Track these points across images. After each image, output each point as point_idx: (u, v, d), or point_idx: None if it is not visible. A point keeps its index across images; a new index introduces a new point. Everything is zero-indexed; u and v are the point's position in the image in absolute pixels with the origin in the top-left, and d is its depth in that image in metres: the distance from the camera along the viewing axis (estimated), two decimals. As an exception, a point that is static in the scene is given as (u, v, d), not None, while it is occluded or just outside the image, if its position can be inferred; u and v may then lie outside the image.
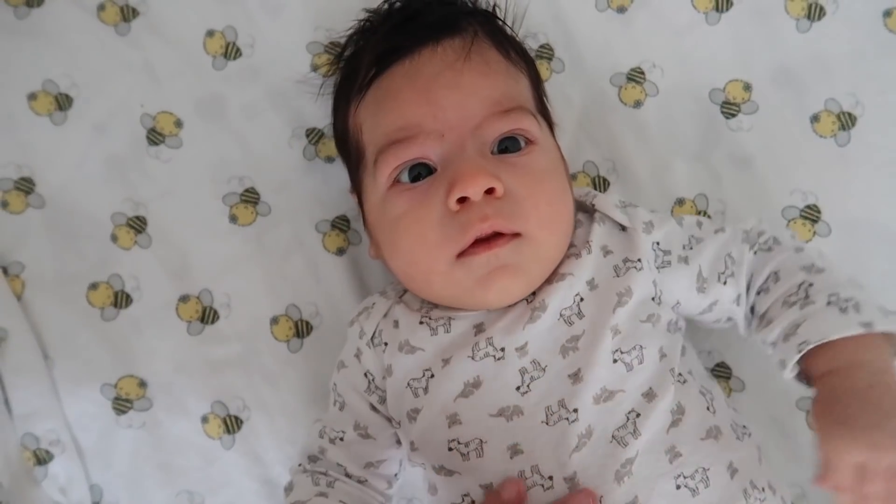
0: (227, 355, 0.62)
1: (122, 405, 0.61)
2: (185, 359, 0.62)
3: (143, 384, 0.61)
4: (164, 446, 0.61)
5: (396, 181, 0.51)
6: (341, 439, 0.54)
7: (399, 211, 0.50)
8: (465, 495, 0.48)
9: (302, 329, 0.62)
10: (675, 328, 0.52)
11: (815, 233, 0.61)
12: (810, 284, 0.49)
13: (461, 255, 0.48)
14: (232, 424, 0.61)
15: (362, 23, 0.59)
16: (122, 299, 0.62)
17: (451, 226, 0.47)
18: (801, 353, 0.46)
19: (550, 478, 0.46)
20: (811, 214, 0.61)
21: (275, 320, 0.62)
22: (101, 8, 0.64)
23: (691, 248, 0.53)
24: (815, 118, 0.62)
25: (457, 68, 0.51)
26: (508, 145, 0.50)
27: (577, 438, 0.46)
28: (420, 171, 0.50)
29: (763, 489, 0.48)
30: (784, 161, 0.62)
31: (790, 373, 0.48)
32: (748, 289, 0.52)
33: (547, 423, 0.47)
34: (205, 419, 0.61)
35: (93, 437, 0.61)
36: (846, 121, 0.61)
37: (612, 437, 0.46)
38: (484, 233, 0.47)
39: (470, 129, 0.49)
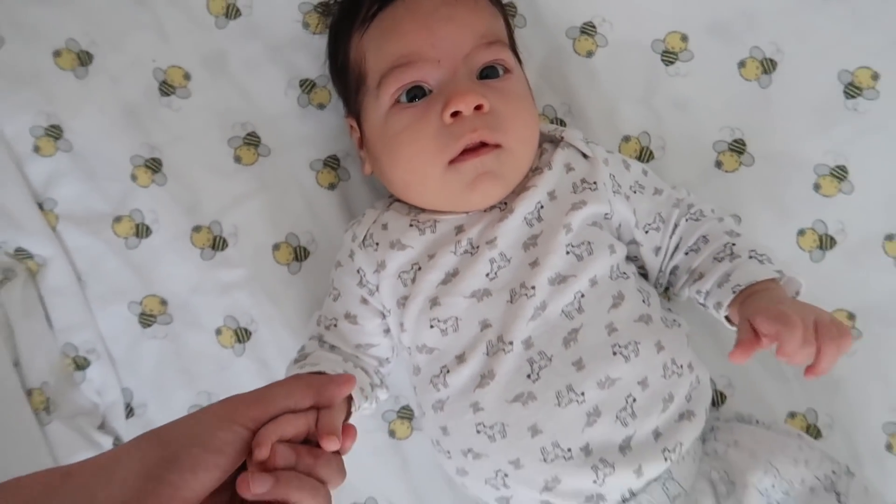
0: (235, 277, 0.71)
1: (146, 320, 0.71)
2: (200, 280, 0.71)
3: (164, 302, 0.71)
4: (184, 354, 0.71)
5: (396, 101, 0.60)
6: (335, 325, 0.64)
7: (401, 126, 0.59)
8: (444, 367, 0.59)
9: (300, 254, 0.72)
10: (622, 239, 0.62)
11: (741, 163, 0.71)
12: (733, 244, 0.60)
13: (452, 161, 0.57)
14: (242, 335, 0.71)
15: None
16: (142, 230, 0.71)
17: (446, 136, 0.57)
18: (735, 294, 0.57)
19: (511, 343, 0.57)
20: (738, 147, 0.71)
21: (276, 247, 0.72)
22: (116, -26, 0.72)
23: (634, 192, 0.63)
24: (741, 64, 0.71)
25: (451, 3, 0.60)
26: (489, 72, 0.59)
27: (532, 310, 0.57)
28: (416, 93, 0.59)
29: (682, 366, 0.58)
30: (715, 102, 0.71)
31: (724, 311, 0.58)
32: (676, 249, 0.63)
33: (510, 302, 0.58)
34: (218, 331, 0.71)
35: (122, 347, 0.71)
36: (768, 66, 0.71)
37: (562, 311, 0.57)
38: (473, 142, 0.57)
39: (461, 57, 0.58)
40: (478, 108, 0.57)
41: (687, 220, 0.63)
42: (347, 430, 0.49)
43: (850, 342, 0.51)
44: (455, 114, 0.56)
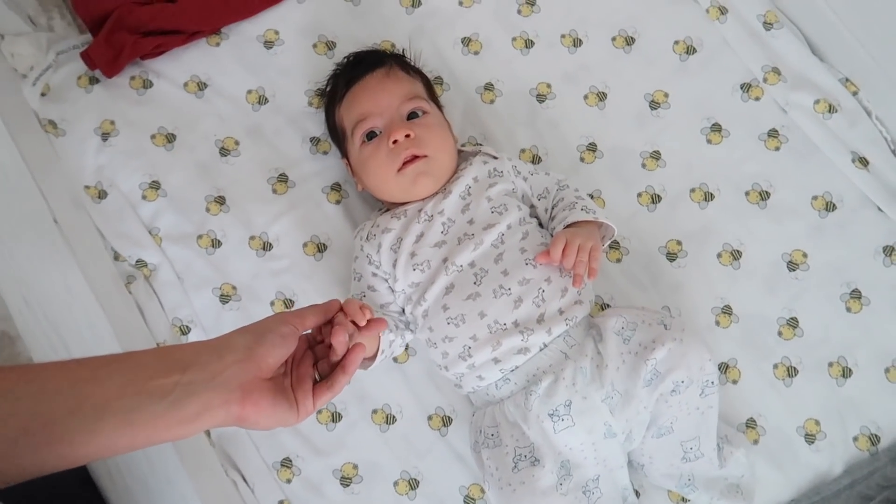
0: (281, 266, 1.04)
1: (224, 299, 1.04)
2: (257, 270, 1.04)
3: (235, 287, 1.04)
4: (251, 319, 0.93)
5: (363, 141, 0.97)
6: (363, 297, 0.97)
7: (367, 154, 0.97)
8: (424, 290, 0.93)
9: (321, 247, 1.07)
10: (525, 203, 1.00)
11: (595, 157, 1.10)
12: (574, 202, 0.96)
13: (399, 170, 0.94)
14: (287, 304, 1.04)
15: (335, 70, 1.07)
16: (216, 242, 1.06)
17: (392, 156, 0.94)
18: (564, 227, 0.93)
19: (461, 266, 0.91)
20: (592, 147, 1.10)
21: (305, 244, 1.06)
22: (186, 84, 1.12)
23: (531, 174, 1.02)
24: (585, 97, 1.12)
25: (383, 82, 0.98)
26: (413, 115, 0.96)
27: (474, 246, 0.92)
28: (372, 134, 0.96)
29: (570, 273, 0.94)
30: (574, 122, 1.09)
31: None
32: (554, 206, 1.00)
33: (458, 244, 0.93)
34: (272, 303, 1.04)
35: (210, 318, 1.02)
36: (602, 96, 1.12)
37: (492, 244, 0.92)
38: (408, 156, 0.93)
39: (394, 109, 0.96)
40: (407, 136, 0.93)
41: (558, 190, 1.02)
42: (376, 322, 0.75)
43: (597, 263, 0.88)
44: (395, 142, 0.94)
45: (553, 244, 0.89)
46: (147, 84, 1.11)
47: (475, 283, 0.91)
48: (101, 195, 1.06)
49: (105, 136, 1.08)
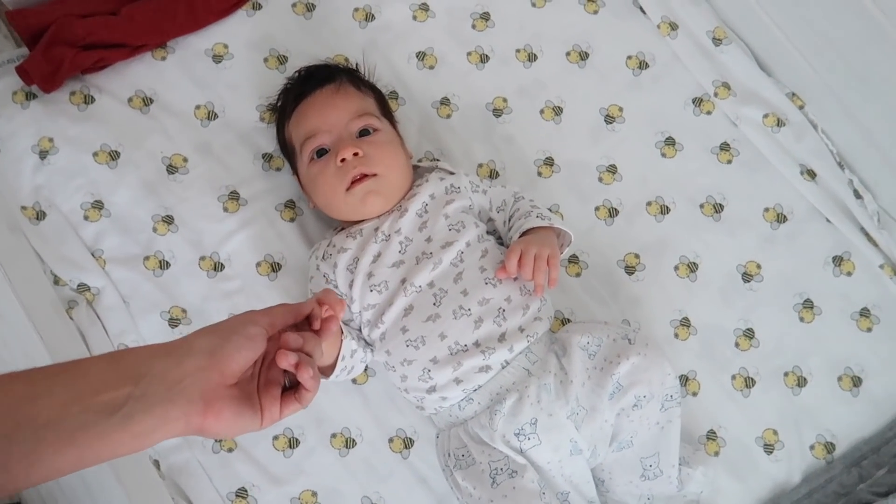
0: (233, 287, 1.00)
1: (174, 322, 1.00)
2: (208, 292, 1.00)
3: (184, 310, 1.00)
4: None
5: (312, 159, 0.95)
6: None
7: (315, 173, 0.94)
8: (382, 312, 0.91)
9: (275, 267, 1.04)
10: (482, 220, 0.99)
11: (552, 171, 1.10)
12: (530, 211, 0.96)
13: (348, 189, 0.92)
14: None
15: (285, 85, 1.04)
16: (164, 264, 1.02)
17: (340, 174, 0.92)
18: (521, 234, 0.93)
19: (420, 286, 0.89)
20: (549, 161, 1.10)
21: (258, 264, 1.02)
22: (130, 100, 1.07)
23: (490, 187, 1.01)
24: (542, 111, 1.12)
25: (332, 97, 0.96)
26: (363, 133, 0.94)
27: (432, 265, 0.90)
28: (321, 152, 0.94)
29: (530, 291, 0.93)
30: (530, 136, 1.09)
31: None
32: (511, 217, 0.99)
33: (417, 264, 0.91)
34: None
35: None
36: (558, 111, 1.12)
37: (450, 263, 0.90)
38: (356, 175, 0.91)
39: (343, 126, 0.94)
40: (355, 154, 0.91)
41: (515, 201, 1.01)
42: (328, 319, 0.67)
43: (556, 271, 0.88)
44: (343, 160, 0.92)
45: (508, 256, 0.88)
46: (89, 99, 1.06)
47: (434, 304, 0.90)
48: (40, 216, 1.01)
49: (43, 154, 1.03)
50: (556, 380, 0.88)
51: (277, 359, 0.60)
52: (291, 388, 0.64)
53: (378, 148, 0.94)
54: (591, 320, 0.99)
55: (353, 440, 0.99)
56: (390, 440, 1.00)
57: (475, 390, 0.89)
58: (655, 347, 0.92)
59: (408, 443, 1.00)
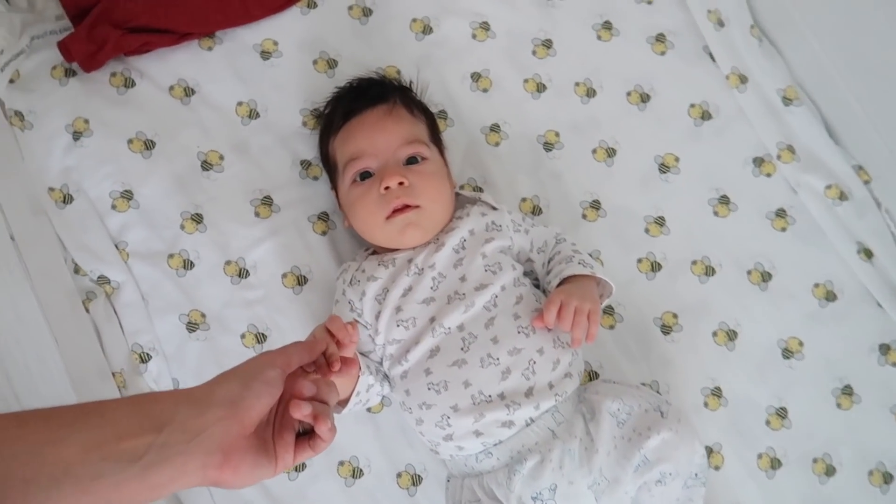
0: (255, 297, 0.97)
1: (191, 327, 0.97)
2: (230, 299, 0.97)
3: (204, 315, 0.97)
4: (218, 352, 0.95)
5: (354, 180, 0.91)
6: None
7: (356, 195, 0.90)
8: (406, 349, 0.87)
9: (301, 280, 0.99)
10: (519, 261, 0.95)
11: (598, 215, 1.06)
12: (572, 256, 0.92)
13: (388, 217, 0.88)
14: (260, 338, 0.97)
15: (334, 94, 1.00)
16: (188, 264, 0.98)
17: (382, 202, 0.88)
18: (560, 282, 0.89)
19: (449, 328, 0.86)
20: (595, 205, 1.06)
21: (284, 275, 0.98)
22: (171, 88, 1.03)
23: (533, 226, 0.96)
24: (594, 151, 1.08)
25: (383, 120, 0.92)
26: (411, 160, 0.90)
27: (465, 307, 0.86)
28: (365, 175, 0.91)
29: (564, 343, 0.87)
30: (578, 175, 1.05)
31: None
32: (551, 259, 0.94)
33: (448, 303, 0.87)
34: (243, 335, 0.96)
35: (173, 347, 0.95)
36: (611, 152, 1.08)
37: (483, 306, 0.87)
38: (398, 205, 0.87)
39: (391, 152, 0.90)
40: (400, 183, 0.87)
41: (556, 243, 0.96)
42: (348, 361, 0.69)
43: (595, 328, 0.82)
44: (387, 188, 0.88)
45: (547, 306, 0.84)
46: (129, 83, 1.02)
47: (462, 348, 0.86)
48: (66, 200, 0.97)
49: (77, 136, 0.99)
50: (582, 446, 0.85)
51: (291, 409, 0.59)
52: (305, 433, 0.63)
53: (424, 179, 0.90)
54: (623, 382, 0.95)
55: (361, 470, 0.96)
56: (398, 475, 0.96)
57: (495, 445, 0.85)
58: (687, 424, 0.88)
59: (416, 480, 0.96)
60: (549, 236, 0.97)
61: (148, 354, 0.94)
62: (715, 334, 1.02)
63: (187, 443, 0.53)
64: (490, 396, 0.84)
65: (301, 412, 0.60)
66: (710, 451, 0.98)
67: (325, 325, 0.71)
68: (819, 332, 1.02)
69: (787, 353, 1.02)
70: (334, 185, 0.97)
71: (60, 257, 0.94)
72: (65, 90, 1.00)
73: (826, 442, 0.99)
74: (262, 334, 0.98)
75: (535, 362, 0.85)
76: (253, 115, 1.04)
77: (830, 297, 1.04)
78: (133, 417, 0.53)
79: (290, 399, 0.64)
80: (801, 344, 1.02)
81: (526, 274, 0.95)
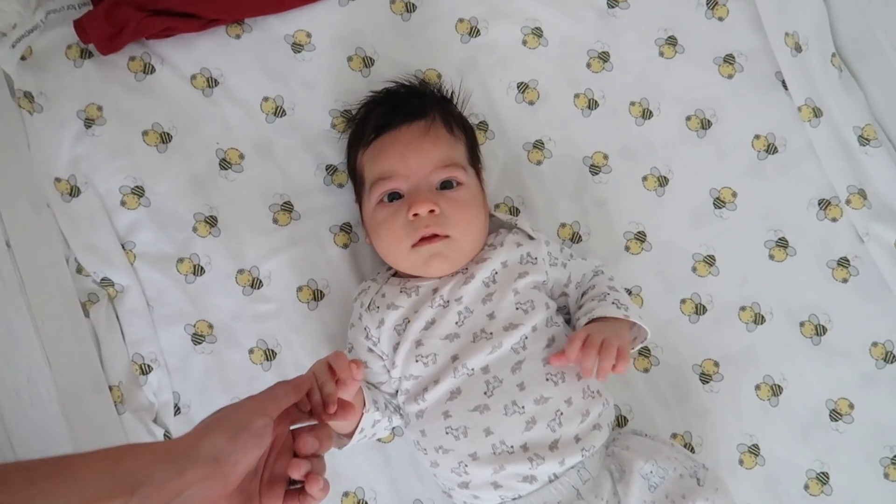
0: (267, 310, 0.91)
1: (197, 339, 0.91)
2: (240, 311, 0.91)
3: (211, 326, 0.91)
4: (224, 367, 0.89)
5: (381, 200, 0.84)
6: None
7: (381, 218, 0.83)
8: (424, 387, 0.81)
9: (317, 295, 0.93)
10: (553, 296, 0.88)
11: (642, 248, 0.98)
12: (607, 293, 0.84)
13: (414, 245, 0.81)
14: (269, 355, 0.91)
15: (368, 99, 0.93)
16: (199, 270, 0.92)
17: (409, 228, 0.81)
18: (589, 321, 0.81)
19: (473, 369, 0.79)
20: (640, 237, 0.98)
21: (300, 289, 0.92)
22: (193, 77, 0.96)
23: (571, 258, 0.88)
24: (644, 178, 0.99)
25: (419, 139, 0.84)
26: (446, 185, 0.83)
27: (491, 348, 0.79)
28: (394, 196, 0.84)
29: (595, 392, 0.80)
30: (624, 203, 0.96)
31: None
32: (584, 293, 0.87)
33: (473, 342, 0.80)
34: (251, 351, 0.91)
35: (177, 359, 0.89)
36: (663, 181, 0.99)
37: (511, 348, 0.80)
38: (426, 234, 0.80)
39: (425, 175, 0.82)
40: (431, 211, 0.80)
41: (593, 276, 0.88)
42: (346, 405, 0.65)
43: (624, 363, 0.75)
44: (416, 214, 0.81)
45: (570, 340, 0.77)
46: (148, 69, 0.94)
47: (486, 392, 0.79)
48: (73, 192, 0.91)
49: (89, 123, 0.92)
50: (607, 508, 0.78)
51: (290, 470, 0.58)
52: (294, 484, 0.61)
53: (457, 207, 0.82)
54: (657, 438, 0.87)
55: (366, 502, 0.90)
56: (405, 511, 0.91)
57: (514, 499, 0.79)
58: (725, 493, 0.80)
59: (423, 517, 0.91)
60: (588, 269, 0.89)
61: (149, 366, 0.88)
62: (758, 388, 0.94)
63: None
64: (512, 447, 0.77)
65: (300, 472, 0.58)
66: (742, 514, 0.90)
67: (328, 361, 0.67)
68: (872, 395, 0.94)
69: (834, 415, 0.94)
70: (359, 199, 0.90)
71: (62, 256, 0.88)
72: (79, 72, 0.93)
73: (869, 516, 0.91)
74: (272, 351, 0.92)
75: (562, 413, 0.79)
76: (279, 112, 0.96)
77: (889, 358, 0.95)
78: (104, 477, 0.49)
79: (281, 446, 0.61)
80: (851, 406, 0.94)
81: (559, 309, 0.88)
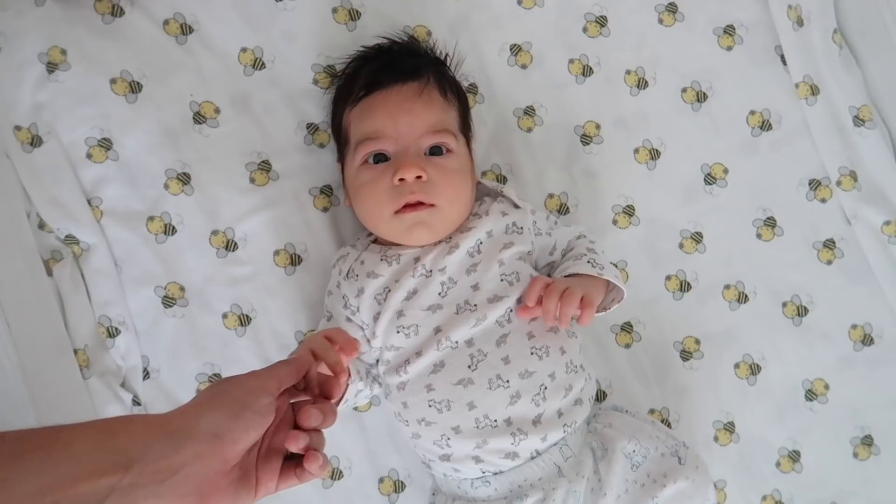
0: (242, 273, 0.87)
1: (168, 301, 0.87)
2: (214, 274, 0.87)
3: (183, 288, 0.87)
4: (196, 332, 0.86)
5: (365, 161, 0.80)
6: None
7: (364, 180, 0.79)
8: (406, 360, 0.79)
9: (295, 259, 0.89)
10: (538, 266, 0.85)
11: (630, 223, 0.96)
12: (584, 254, 0.83)
13: (397, 212, 0.78)
14: (244, 320, 0.88)
15: (358, 55, 0.87)
16: (170, 229, 0.87)
17: (393, 193, 0.77)
18: (564, 276, 0.80)
19: (457, 342, 0.76)
20: (629, 211, 0.96)
21: (276, 252, 0.88)
22: (166, 23, 0.89)
23: (549, 232, 0.86)
24: (636, 151, 0.96)
25: (412, 101, 0.80)
26: (435, 150, 0.80)
27: (475, 320, 0.77)
28: (380, 158, 0.80)
29: (578, 366, 0.79)
30: (615, 176, 0.94)
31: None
32: (563, 255, 0.86)
33: (457, 314, 0.78)
34: (225, 315, 0.87)
35: (146, 322, 0.85)
36: (654, 154, 0.96)
37: (496, 321, 0.77)
38: (411, 200, 0.77)
39: (414, 139, 0.79)
40: (418, 177, 0.77)
41: (576, 239, 0.87)
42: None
43: (588, 313, 0.75)
44: (402, 179, 0.78)
45: (530, 285, 0.76)
46: (117, 11, 0.88)
47: (470, 366, 0.77)
48: (35, 142, 0.85)
49: (51, 67, 0.86)
50: (588, 486, 0.77)
51: (288, 442, 0.56)
52: (291, 457, 0.59)
53: (445, 175, 0.79)
54: (637, 415, 0.86)
55: (341, 472, 0.89)
56: (380, 480, 0.90)
57: (495, 474, 0.78)
58: (704, 472, 0.81)
59: (399, 486, 0.90)
60: (572, 236, 0.87)
61: (116, 329, 0.84)
62: (737, 366, 0.94)
63: (159, 484, 0.47)
64: (496, 421, 0.76)
65: (298, 445, 0.56)
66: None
67: (326, 335, 0.65)
68: (849, 378, 0.95)
69: (810, 395, 0.95)
70: (341, 158, 0.86)
71: (22, 210, 0.82)
72: (41, 11, 0.86)
73: (837, 492, 0.93)
74: (247, 316, 0.88)
75: (546, 388, 0.77)
76: (258, 64, 0.91)
77: (867, 340, 0.96)
78: (96, 451, 0.46)
79: (280, 419, 0.59)
80: (826, 387, 0.95)
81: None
